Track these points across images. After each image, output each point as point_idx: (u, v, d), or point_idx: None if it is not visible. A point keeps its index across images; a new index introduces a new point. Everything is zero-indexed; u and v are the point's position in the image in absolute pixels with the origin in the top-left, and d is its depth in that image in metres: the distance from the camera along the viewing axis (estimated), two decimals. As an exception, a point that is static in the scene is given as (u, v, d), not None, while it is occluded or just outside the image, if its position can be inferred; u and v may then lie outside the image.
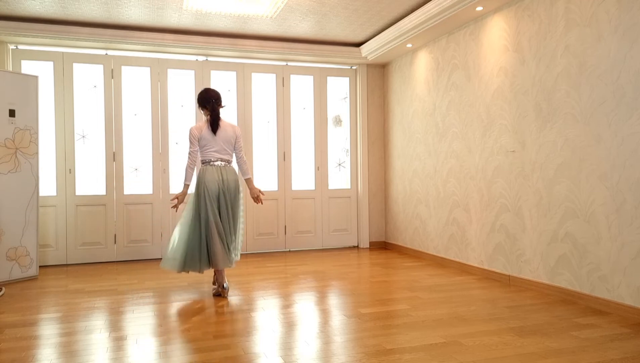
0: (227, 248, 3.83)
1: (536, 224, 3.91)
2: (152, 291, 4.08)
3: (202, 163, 3.93)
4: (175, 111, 5.81)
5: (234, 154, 4.03)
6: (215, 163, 3.88)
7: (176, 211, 3.97)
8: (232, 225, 3.89)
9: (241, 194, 3.98)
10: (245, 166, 4.07)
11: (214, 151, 3.89)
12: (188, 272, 4.01)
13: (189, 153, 3.89)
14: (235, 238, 3.94)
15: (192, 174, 3.93)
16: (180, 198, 3.88)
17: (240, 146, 4.02)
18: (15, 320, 3.27)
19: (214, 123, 3.88)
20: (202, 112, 4.02)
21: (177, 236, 3.85)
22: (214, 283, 4.02)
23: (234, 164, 4.05)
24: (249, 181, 4.11)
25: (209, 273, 4.82)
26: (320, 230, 6.32)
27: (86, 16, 4.89)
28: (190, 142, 3.88)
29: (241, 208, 3.99)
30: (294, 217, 6.21)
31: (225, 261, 3.81)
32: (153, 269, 5.07)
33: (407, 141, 5.87)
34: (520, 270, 4.09)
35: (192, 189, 3.96)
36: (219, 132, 3.89)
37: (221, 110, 3.99)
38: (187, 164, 3.90)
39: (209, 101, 3.92)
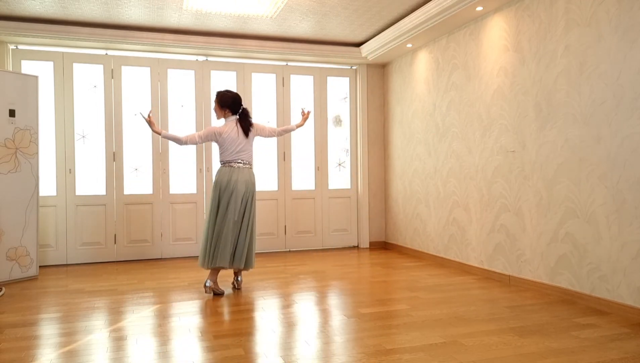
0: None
1: (536, 224, 3.91)
2: (152, 291, 4.08)
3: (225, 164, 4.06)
4: (175, 111, 5.81)
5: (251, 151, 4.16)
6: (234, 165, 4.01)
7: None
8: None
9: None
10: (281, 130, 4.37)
11: (237, 153, 4.02)
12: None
13: (193, 136, 4.05)
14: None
15: (172, 138, 4.05)
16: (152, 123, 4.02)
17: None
18: (15, 320, 3.27)
19: (249, 128, 4.07)
20: (222, 112, 4.08)
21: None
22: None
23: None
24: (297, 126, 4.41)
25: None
26: (320, 230, 6.32)
27: (86, 16, 4.89)
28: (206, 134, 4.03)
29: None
30: (294, 217, 6.21)
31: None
32: (153, 269, 5.07)
33: (407, 141, 5.87)
34: (520, 270, 4.09)
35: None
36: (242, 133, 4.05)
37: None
38: (183, 137, 4.03)
39: (239, 104, 4.08)
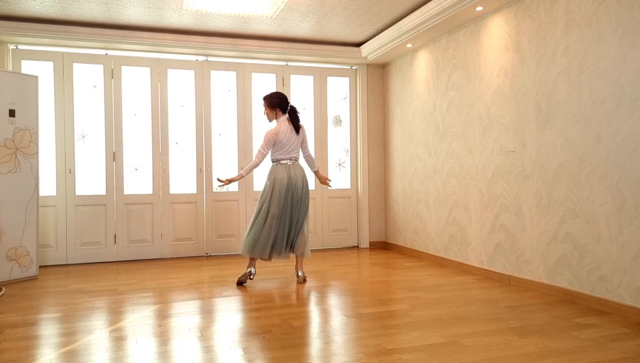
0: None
1: (536, 224, 3.91)
2: (152, 291, 4.08)
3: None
4: (175, 111, 5.81)
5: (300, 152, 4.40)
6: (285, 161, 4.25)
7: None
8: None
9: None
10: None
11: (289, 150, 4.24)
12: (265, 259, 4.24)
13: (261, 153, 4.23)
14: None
15: (251, 169, 4.22)
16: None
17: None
18: (15, 320, 3.27)
19: (298, 124, 4.29)
20: (274, 113, 4.30)
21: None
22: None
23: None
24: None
25: (212, 272, 4.83)
26: (320, 230, 6.32)
27: (86, 16, 4.89)
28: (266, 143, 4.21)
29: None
30: (294, 217, 6.20)
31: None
32: (153, 269, 5.07)
33: (407, 141, 5.87)
34: (520, 270, 4.09)
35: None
36: (293, 132, 4.25)
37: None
38: (256, 160, 4.20)
39: (286, 103, 4.30)
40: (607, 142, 3.30)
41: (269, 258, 4.17)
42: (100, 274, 4.85)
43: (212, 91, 5.92)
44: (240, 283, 4.24)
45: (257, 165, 4.20)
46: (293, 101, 6.18)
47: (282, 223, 4.14)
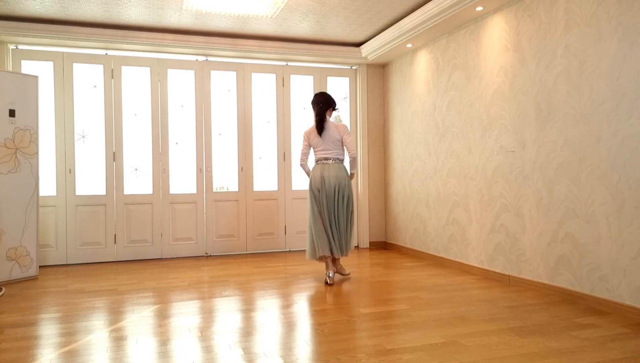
0: (333, 238, 4.25)
1: (536, 224, 3.91)
2: (152, 291, 4.08)
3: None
4: (175, 111, 5.81)
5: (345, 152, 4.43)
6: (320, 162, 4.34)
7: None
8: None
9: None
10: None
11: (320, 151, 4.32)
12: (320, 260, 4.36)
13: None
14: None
15: (308, 170, 4.42)
16: None
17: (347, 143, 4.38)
18: (15, 320, 3.27)
19: (319, 125, 4.33)
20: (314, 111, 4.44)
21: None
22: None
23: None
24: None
25: (212, 272, 4.83)
26: (320, 230, 6.32)
27: (86, 16, 4.89)
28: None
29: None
30: (294, 217, 6.21)
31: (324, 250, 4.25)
32: (153, 269, 5.07)
33: (407, 141, 5.87)
34: (520, 270, 4.09)
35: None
36: (324, 133, 4.31)
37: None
38: (305, 162, 4.42)
39: (316, 104, 4.38)
40: (607, 142, 3.30)
41: (331, 255, 4.23)
42: (100, 274, 4.85)
43: (212, 91, 5.92)
44: (327, 283, 4.29)
45: (302, 166, 4.40)
46: (293, 101, 6.19)
47: (326, 220, 4.22)
